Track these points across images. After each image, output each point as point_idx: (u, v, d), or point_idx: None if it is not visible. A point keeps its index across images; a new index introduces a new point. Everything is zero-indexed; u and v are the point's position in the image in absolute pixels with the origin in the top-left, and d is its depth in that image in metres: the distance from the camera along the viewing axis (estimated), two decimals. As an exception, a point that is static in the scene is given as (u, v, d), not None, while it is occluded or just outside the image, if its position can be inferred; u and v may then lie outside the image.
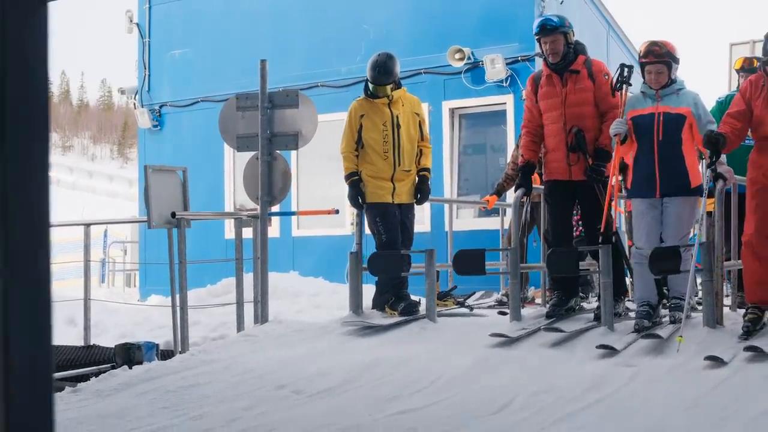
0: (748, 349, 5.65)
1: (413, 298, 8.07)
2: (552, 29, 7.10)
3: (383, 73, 7.75)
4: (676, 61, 6.63)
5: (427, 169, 8.04)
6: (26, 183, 0.48)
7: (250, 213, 8.63)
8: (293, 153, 11.25)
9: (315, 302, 10.63)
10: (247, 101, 8.42)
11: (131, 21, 16.38)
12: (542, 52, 7.33)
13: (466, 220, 13.26)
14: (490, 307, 9.61)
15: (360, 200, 7.75)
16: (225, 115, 8.61)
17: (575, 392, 5.37)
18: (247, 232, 8.46)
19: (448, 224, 11.65)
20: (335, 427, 4.81)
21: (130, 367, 6.51)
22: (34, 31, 0.54)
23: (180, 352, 7.33)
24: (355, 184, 7.73)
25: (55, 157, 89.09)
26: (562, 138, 7.11)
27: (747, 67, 8.76)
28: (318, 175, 13.46)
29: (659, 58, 6.56)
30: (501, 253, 9.71)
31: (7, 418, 0.48)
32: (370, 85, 7.87)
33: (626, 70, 6.96)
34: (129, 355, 6.90)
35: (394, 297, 7.66)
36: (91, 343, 9.14)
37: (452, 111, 13.66)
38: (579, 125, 7.02)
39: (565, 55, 7.12)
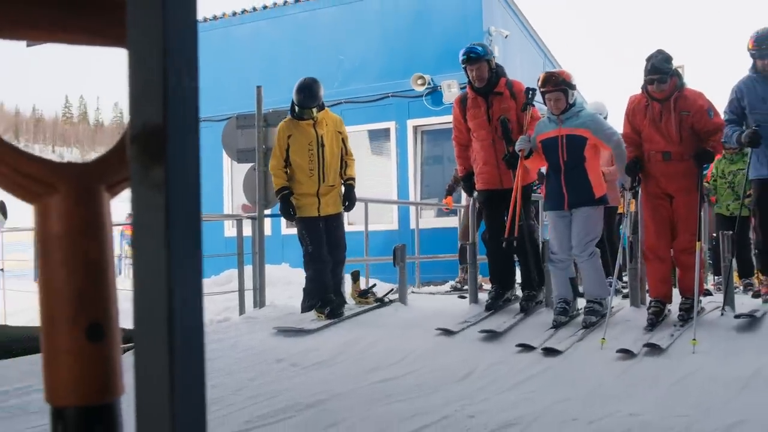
0: (646, 345, 5.48)
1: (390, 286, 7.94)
2: (476, 58, 6.73)
3: (308, 97, 7.18)
4: (572, 87, 6.27)
5: (352, 179, 7.52)
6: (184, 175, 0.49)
7: (249, 215, 8.57)
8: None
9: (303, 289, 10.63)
10: (245, 120, 8.42)
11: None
12: (468, 77, 6.90)
13: (429, 220, 13.27)
14: (447, 292, 9.66)
15: (291, 212, 7.23)
16: (227, 133, 8.60)
17: (524, 364, 5.42)
18: (245, 231, 8.42)
19: (414, 223, 11.72)
20: (330, 393, 4.80)
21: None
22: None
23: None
24: (286, 198, 7.18)
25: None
26: (492, 153, 6.81)
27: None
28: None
29: (556, 86, 6.19)
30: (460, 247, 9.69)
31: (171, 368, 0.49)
32: (296, 108, 7.28)
33: (530, 93, 6.74)
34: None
35: (320, 301, 7.07)
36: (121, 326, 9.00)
37: (415, 128, 13.71)
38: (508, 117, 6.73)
39: (489, 79, 6.76)
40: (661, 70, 5.94)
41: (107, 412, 0.63)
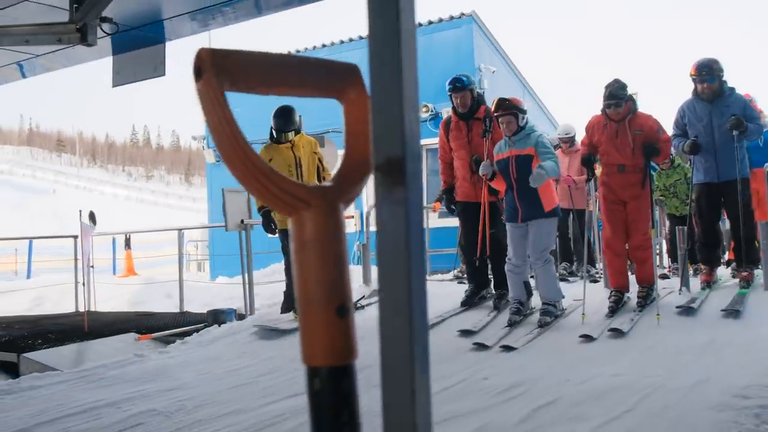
0: (610, 330, 5.30)
1: None
2: (461, 87, 6.40)
3: (285, 122, 6.66)
4: (522, 111, 5.89)
5: None
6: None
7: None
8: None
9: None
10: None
11: (199, 89, 16.33)
12: (452, 103, 6.54)
13: (435, 221, 13.28)
14: (451, 279, 9.66)
15: (273, 227, 6.68)
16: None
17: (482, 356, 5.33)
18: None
19: (425, 224, 11.77)
20: (367, 363, 4.82)
21: (219, 326, 6.46)
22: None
23: (250, 315, 7.29)
24: (267, 214, 6.62)
25: (143, 184, 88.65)
26: (469, 171, 6.44)
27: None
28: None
29: (507, 110, 5.81)
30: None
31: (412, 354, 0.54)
32: (275, 132, 6.77)
33: (487, 120, 6.29)
34: (217, 317, 6.83)
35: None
36: (185, 310, 9.05)
37: (421, 146, 13.72)
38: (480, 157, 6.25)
39: (471, 106, 6.44)
40: (617, 96, 5.93)
41: (349, 371, 0.68)
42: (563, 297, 6.02)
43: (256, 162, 0.65)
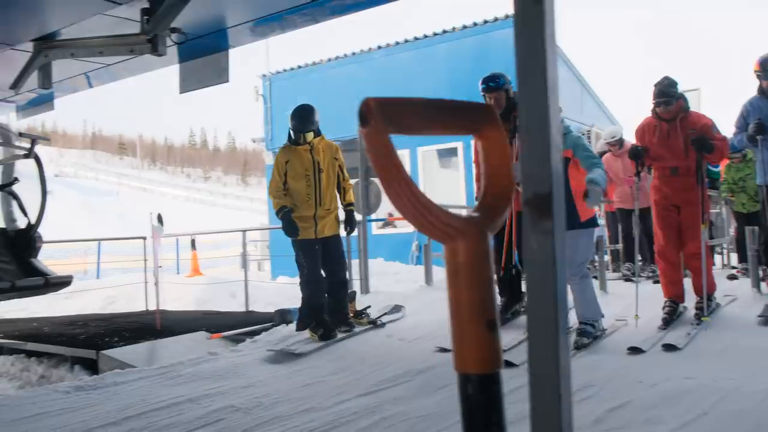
0: (664, 345, 4.93)
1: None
2: (495, 87, 5.90)
3: (303, 122, 6.16)
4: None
5: (352, 204, 6.46)
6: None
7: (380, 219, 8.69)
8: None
9: (396, 278, 10.74)
10: (349, 145, 8.59)
11: (257, 93, 16.63)
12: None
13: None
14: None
15: (295, 228, 6.09)
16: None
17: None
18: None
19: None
20: (435, 361, 4.90)
21: (287, 325, 6.61)
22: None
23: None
24: (287, 215, 6.05)
25: (200, 185, 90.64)
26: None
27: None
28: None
29: None
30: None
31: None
32: (292, 133, 6.28)
33: (514, 118, 5.68)
34: (284, 316, 6.97)
35: (315, 322, 6.05)
36: (250, 309, 9.26)
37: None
38: None
39: (506, 107, 5.88)
40: (667, 93, 5.63)
41: (497, 378, 0.76)
42: (602, 316, 5.46)
43: (419, 196, 0.73)
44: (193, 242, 13.85)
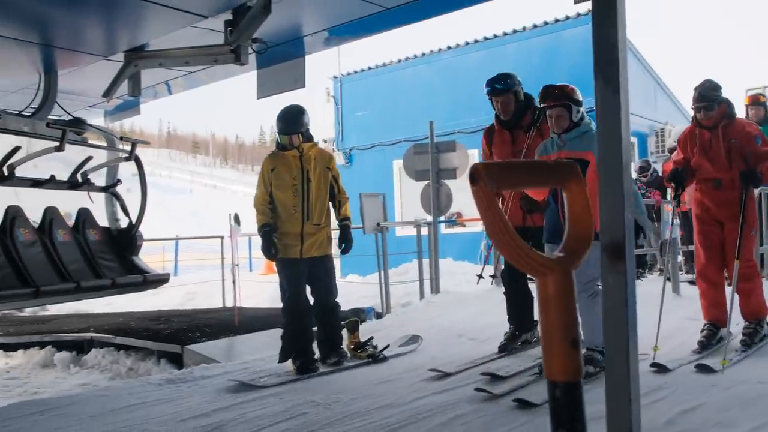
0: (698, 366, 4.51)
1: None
2: (501, 90, 5.39)
3: (288, 122, 5.52)
4: (577, 103, 4.67)
5: (347, 218, 5.72)
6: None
7: (426, 221, 8.89)
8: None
9: (466, 278, 10.84)
10: (420, 148, 8.79)
11: (329, 94, 16.99)
12: (494, 108, 5.51)
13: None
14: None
15: (273, 251, 5.49)
16: (407, 157, 8.97)
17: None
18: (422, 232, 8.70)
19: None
20: (503, 362, 5.03)
21: (362, 323, 6.82)
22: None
23: (387, 314, 7.64)
24: (267, 235, 5.45)
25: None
26: (516, 192, 5.16)
27: (754, 102, 7.95)
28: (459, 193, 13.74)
29: (557, 100, 4.64)
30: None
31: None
32: (278, 137, 5.66)
33: (536, 113, 5.30)
34: (358, 315, 7.20)
35: (295, 352, 5.40)
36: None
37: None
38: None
39: (515, 112, 5.39)
40: (707, 97, 5.09)
41: (579, 385, 0.95)
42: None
43: (517, 240, 0.92)
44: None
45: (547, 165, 1.01)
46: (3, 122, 5.72)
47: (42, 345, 7.74)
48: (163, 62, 6.93)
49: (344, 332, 5.78)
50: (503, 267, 5.54)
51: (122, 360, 7.32)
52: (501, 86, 5.38)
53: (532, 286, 5.30)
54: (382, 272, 7.96)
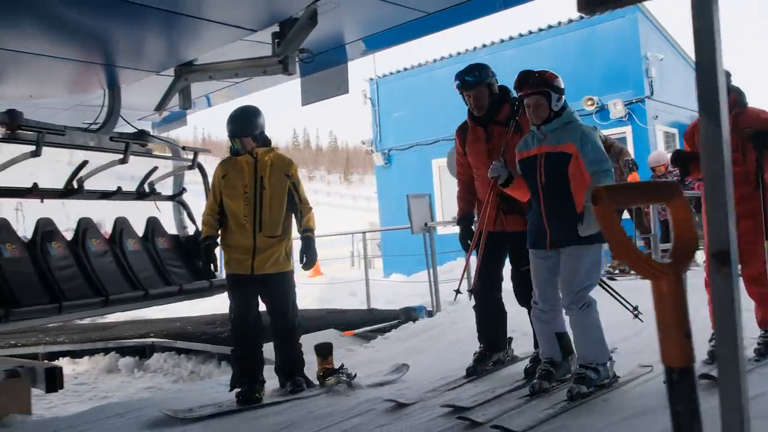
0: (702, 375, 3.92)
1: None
2: (473, 83, 4.80)
3: (238, 124, 5.06)
4: (557, 90, 4.17)
5: (309, 230, 5.08)
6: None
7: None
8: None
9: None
10: (461, 148, 8.90)
11: (365, 96, 17.20)
12: (466, 104, 4.93)
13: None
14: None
15: (212, 266, 5.18)
16: (450, 156, 9.06)
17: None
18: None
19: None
20: (470, 389, 4.71)
21: (414, 322, 7.00)
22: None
23: (437, 312, 7.79)
24: (207, 249, 5.02)
25: (306, 184, 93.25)
26: (493, 196, 4.64)
27: None
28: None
29: (534, 88, 4.15)
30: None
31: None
32: (230, 141, 5.16)
33: (515, 103, 4.69)
34: (410, 314, 7.35)
35: (246, 377, 4.91)
36: (372, 307, 9.71)
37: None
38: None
39: (489, 106, 4.81)
40: None
41: (691, 369, 1.12)
42: (611, 358, 4.28)
43: (635, 250, 1.08)
44: (314, 244, 14.58)
45: (655, 185, 1.18)
46: (69, 138, 5.99)
47: (106, 351, 8.07)
48: (212, 75, 7.17)
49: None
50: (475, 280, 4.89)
51: (183, 363, 7.58)
52: (472, 79, 4.83)
53: (506, 300, 4.98)
54: (431, 271, 8.10)
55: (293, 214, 5.11)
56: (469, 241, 4.86)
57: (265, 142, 5.14)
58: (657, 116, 13.21)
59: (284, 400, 4.72)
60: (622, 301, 4.50)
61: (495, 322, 5.02)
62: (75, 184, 5.98)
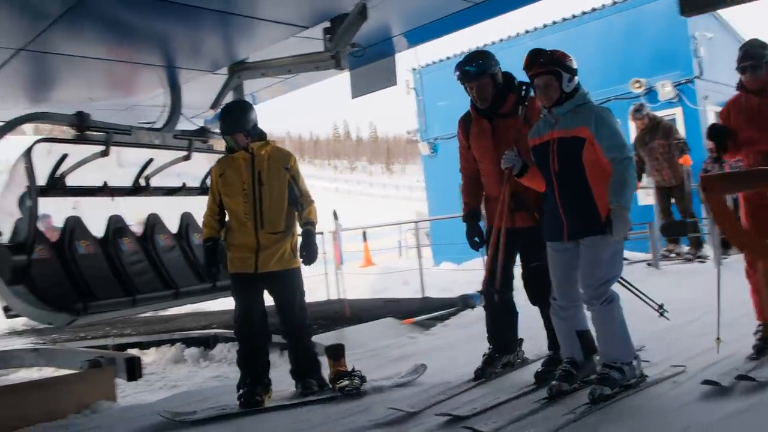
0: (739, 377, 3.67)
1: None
2: (475, 74, 4.43)
3: (227, 121, 4.82)
4: (569, 70, 3.88)
5: (310, 223, 4.84)
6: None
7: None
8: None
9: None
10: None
11: (408, 86, 17.24)
12: (468, 95, 4.57)
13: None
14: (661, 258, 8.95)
15: (213, 269, 4.84)
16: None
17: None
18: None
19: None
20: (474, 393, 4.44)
21: (472, 309, 7.06)
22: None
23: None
24: (208, 251, 4.84)
25: (348, 176, 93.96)
26: (498, 189, 4.39)
27: None
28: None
29: (543, 67, 3.86)
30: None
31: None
32: (224, 139, 4.95)
33: (524, 88, 4.44)
34: (467, 301, 7.40)
35: (250, 378, 4.69)
36: (426, 296, 9.78)
37: (635, 122, 13.50)
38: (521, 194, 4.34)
39: (494, 97, 4.47)
40: (755, 55, 4.37)
41: None
42: (636, 357, 3.96)
43: (745, 231, 1.15)
44: (364, 234, 14.85)
45: (763, 172, 1.25)
46: (135, 137, 6.21)
47: (172, 342, 8.31)
48: (265, 72, 7.35)
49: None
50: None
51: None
52: (474, 69, 4.45)
53: (518, 300, 4.71)
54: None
55: (295, 208, 4.88)
56: (476, 239, 4.65)
57: (260, 136, 4.88)
58: (707, 96, 12.95)
59: (286, 404, 4.53)
60: (645, 298, 4.18)
61: (505, 322, 4.76)
62: (142, 182, 6.19)
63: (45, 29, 5.29)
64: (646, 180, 10.01)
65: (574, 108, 3.88)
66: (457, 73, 4.51)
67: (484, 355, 4.68)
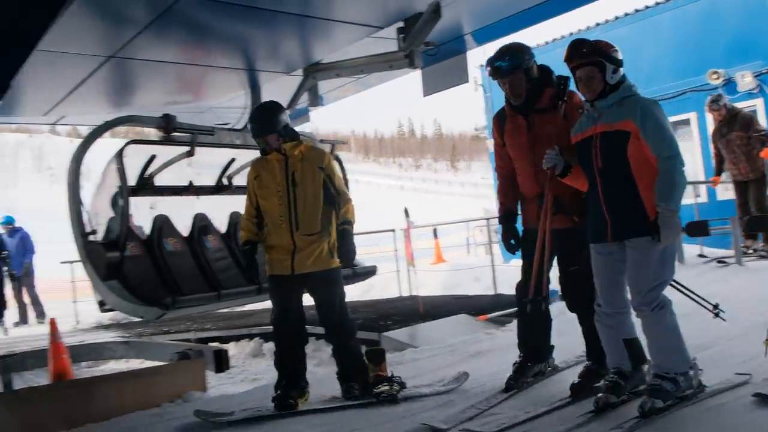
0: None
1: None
2: (508, 70, 4.15)
3: (257, 123, 4.75)
4: (613, 61, 3.64)
5: (347, 222, 4.74)
6: None
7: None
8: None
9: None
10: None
11: (476, 83, 17.18)
12: (502, 90, 4.28)
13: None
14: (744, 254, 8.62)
15: (253, 272, 4.81)
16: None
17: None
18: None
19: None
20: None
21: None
22: None
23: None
24: (247, 254, 4.82)
25: (413, 173, 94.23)
26: (534, 187, 4.23)
27: None
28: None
29: (585, 58, 3.65)
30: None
31: None
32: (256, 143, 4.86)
33: (562, 82, 4.21)
34: (544, 298, 7.36)
35: (285, 381, 4.67)
36: (498, 293, 9.75)
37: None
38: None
39: (528, 93, 4.20)
40: None
41: None
42: (691, 367, 3.62)
43: None
44: (435, 231, 14.92)
45: None
46: (218, 137, 6.42)
47: (250, 337, 8.55)
48: (339, 72, 7.47)
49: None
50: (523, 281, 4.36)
51: (323, 348, 7.91)
52: (506, 64, 4.19)
53: (551, 308, 4.49)
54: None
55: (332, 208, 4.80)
56: (512, 241, 4.39)
57: (292, 136, 4.78)
58: (791, 87, 12.49)
59: (318, 409, 4.46)
60: (698, 299, 3.91)
61: (540, 330, 4.51)
62: (225, 181, 6.39)
63: (134, 36, 5.52)
64: (724, 175, 9.71)
65: (618, 101, 3.66)
66: (488, 69, 4.30)
67: (514, 364, 4.44)
